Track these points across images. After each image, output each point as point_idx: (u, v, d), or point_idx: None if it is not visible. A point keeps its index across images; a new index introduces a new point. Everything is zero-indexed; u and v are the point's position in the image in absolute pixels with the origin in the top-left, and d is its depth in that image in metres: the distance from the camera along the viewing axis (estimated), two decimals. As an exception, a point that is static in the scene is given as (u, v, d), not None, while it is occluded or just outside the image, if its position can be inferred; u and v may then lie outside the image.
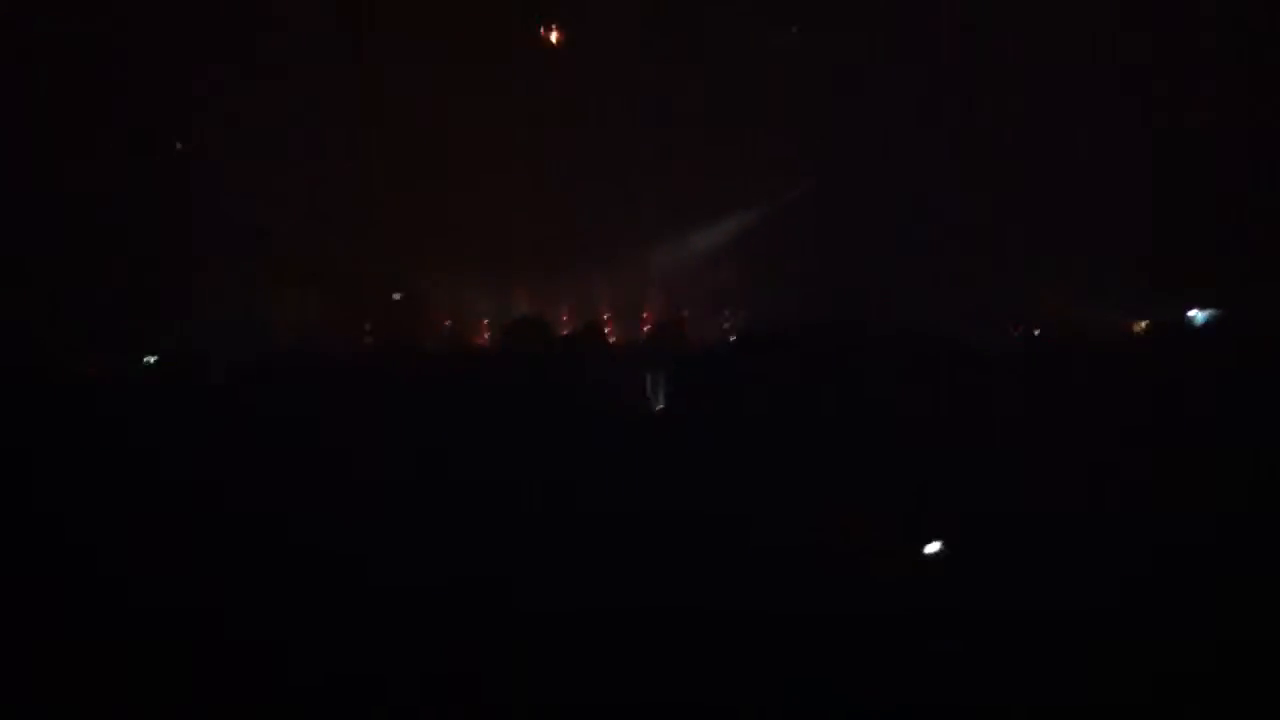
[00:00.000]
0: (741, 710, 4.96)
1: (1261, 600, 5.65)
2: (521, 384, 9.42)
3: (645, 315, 19.06)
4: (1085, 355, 11.15)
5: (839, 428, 8.51)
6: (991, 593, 5.85)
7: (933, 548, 6.55)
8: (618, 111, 18.63)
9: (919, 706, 4.95)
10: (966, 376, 9.45)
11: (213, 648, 5.33)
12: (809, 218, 18.49)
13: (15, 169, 15.61)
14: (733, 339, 15.31)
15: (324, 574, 6.05)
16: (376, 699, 5.07)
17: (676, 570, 6.10)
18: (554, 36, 19.18)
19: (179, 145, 17.37)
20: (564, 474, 7.41)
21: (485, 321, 17.93)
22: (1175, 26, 16.69)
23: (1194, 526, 6.58)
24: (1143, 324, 14.47)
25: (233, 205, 16.94)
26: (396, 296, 18.31)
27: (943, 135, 17.56)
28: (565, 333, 14.23)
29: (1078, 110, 17.15)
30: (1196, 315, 14.38)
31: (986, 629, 5.48)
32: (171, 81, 16.90)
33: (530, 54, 18.96)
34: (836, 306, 15.05)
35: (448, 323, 18.15)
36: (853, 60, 18.00)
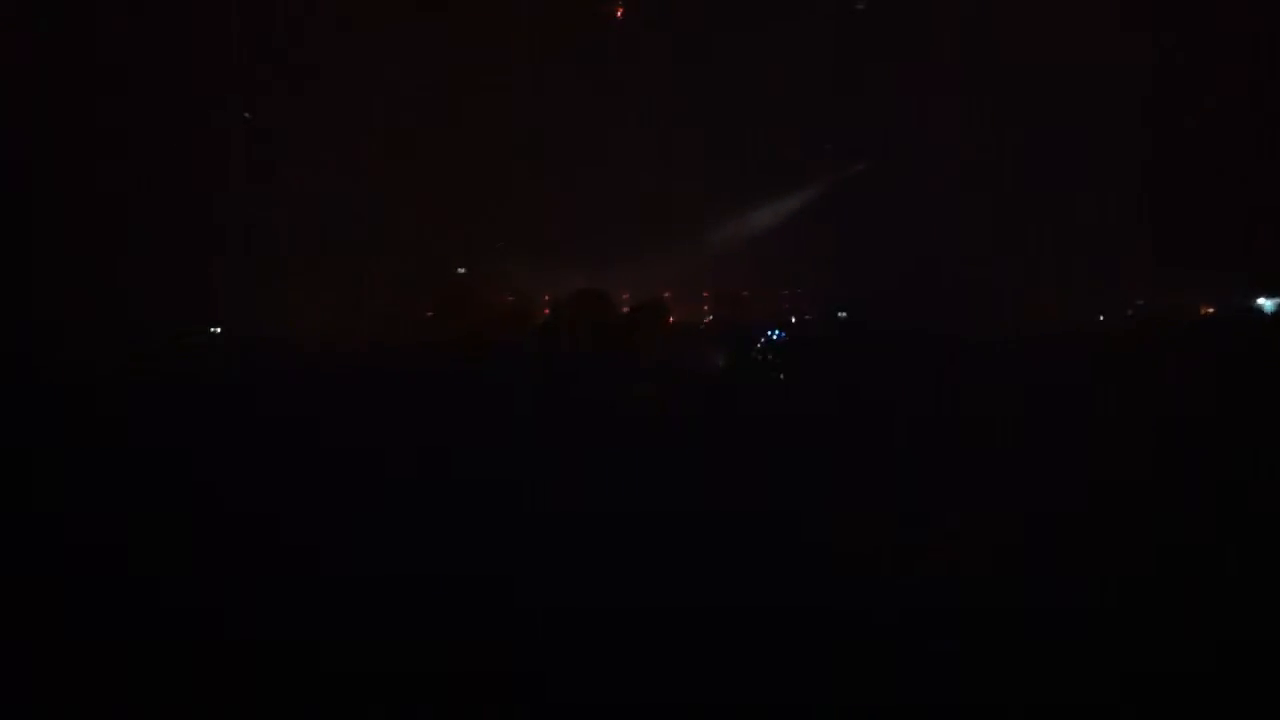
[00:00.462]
0: (742, 710, 4.96)
1: (1262, 600, 5.66)
2: (534, 383, 9.46)
3: (705, 294, 19.26)
4: (1087, 357, 11.18)
5: (841, 427, 8.52)
6: (991, 593, 5.86)
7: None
8: (671, 98, 18.71)
9: (919, 706, 4.95)
10: (968, 377, 9.47)
11: (213, 648, 5.33)
12: (835, 215, 18.48)
13: (48, 166, 15.63)
14: (793, 321, 15.42)
15: (324, 573, 6.06)
16: (375, 698, 5.08)
17: (677, 570, 6.10)
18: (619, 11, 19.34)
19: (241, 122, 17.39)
20: (565, 474, 7.43)
21: (546, 297, 17.99)
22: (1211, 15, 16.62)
23: (1194, 526, 6.59)
24: (1210, 309, 14.67)
25: (287, 197, 17.00)
26: (461, 270, 18.54)
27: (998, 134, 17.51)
28: (626, 309, 14.40)
29: (1136, 103, 17.06)
30: (1265, 304, 14.56)
31: (986, 629, 5.48)
32: (232, 74, 16.98)
33: (590, 39, 19.09)
34: (857, 307, 15.08)
35: (510, 299, 18.24)
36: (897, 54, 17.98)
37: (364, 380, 9.42)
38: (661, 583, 5.91)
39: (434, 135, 17.91)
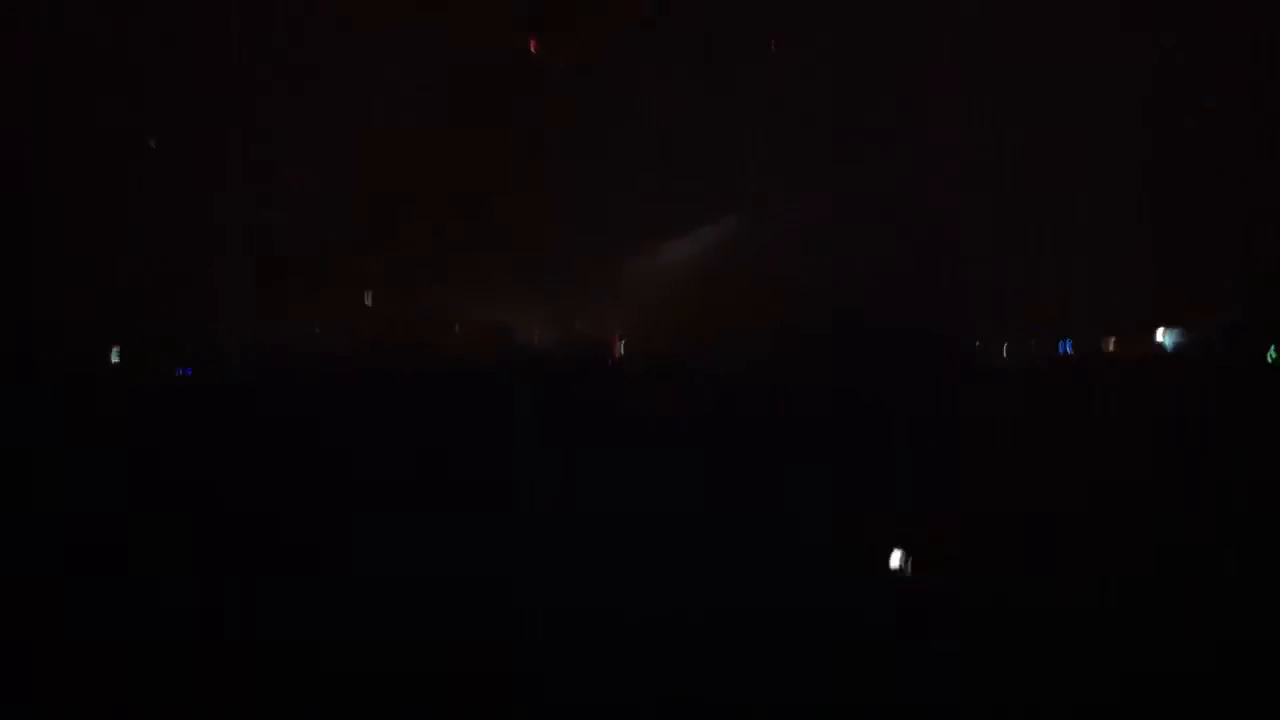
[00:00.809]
0: (741, 710, 4.96)
1: (1262, 600, 5.66)
2: (527, 384, 9.44)
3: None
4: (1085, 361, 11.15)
5: (840, 428, 8.51)
6: (991, 593, 5.85)
7: (895, 559, 6.50)
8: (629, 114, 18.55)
9: (919, 706, 4.95)
10: (967, 378, 9.46)
11: (213, 648, 5.33)
12: (823, 216, 18.37)
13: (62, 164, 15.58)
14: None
15: (323, 574, 6.05)
16: (375, 698, 5.08)
17: (676, 571, 6.10)
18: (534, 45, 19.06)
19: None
20: (565, 474, 7.42)
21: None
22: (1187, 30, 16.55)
23: (1194, 526, 6.59)
24: (1111, 341, 13.80)
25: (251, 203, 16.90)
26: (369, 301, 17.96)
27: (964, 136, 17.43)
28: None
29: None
30: (1164, 338, 13.73)
31: (986, 629, 5.48)
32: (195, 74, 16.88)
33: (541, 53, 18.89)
34: (844, 308, 14.96)
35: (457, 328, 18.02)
36: (860, 59, 17.90)
37: (363, 380, 9.41)
38: (661, 583, 5.91)
39: (422, 139, 17.82)
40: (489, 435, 8.02)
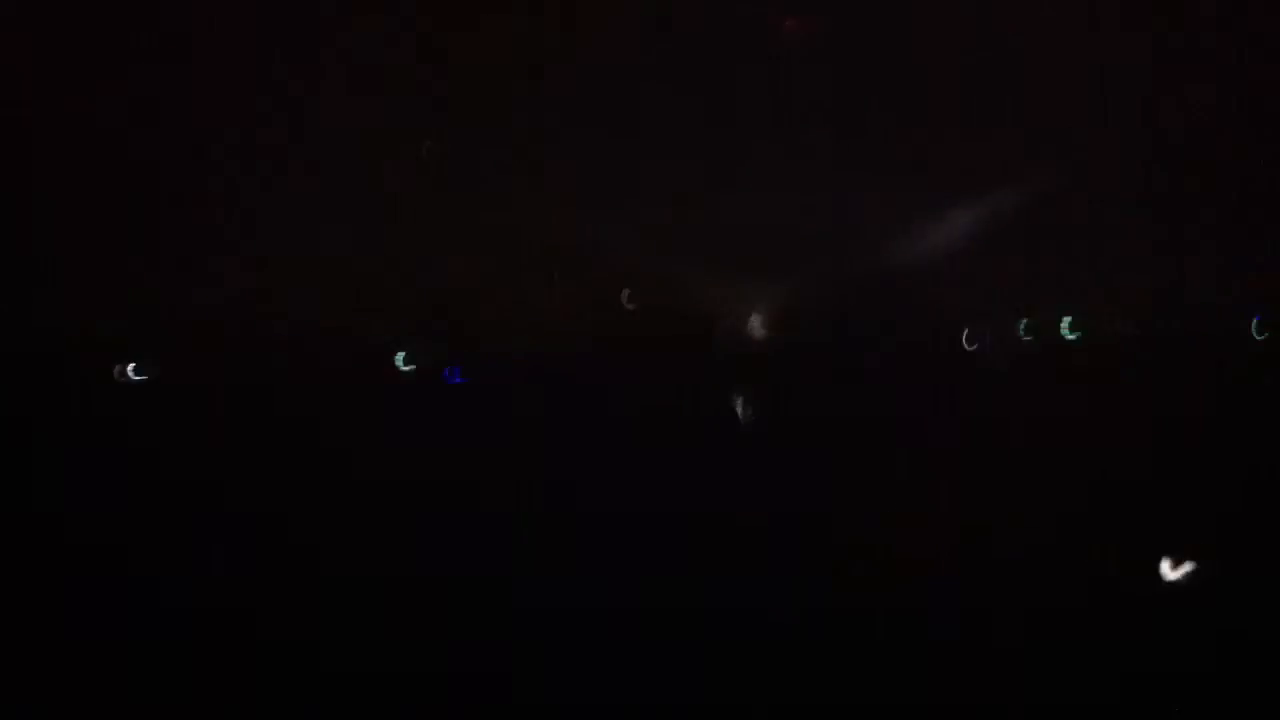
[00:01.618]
0: (740, 710, 4.96)
1: (1261, 600, 5.66)
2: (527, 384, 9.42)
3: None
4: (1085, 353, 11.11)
5: (839, 427, 8.51)
6: (990, 592, 5.85)
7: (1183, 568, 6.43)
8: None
9: (919, 706, 4.95)
10: (965, 375, 9.44)
11: (213, 648, 5.33)
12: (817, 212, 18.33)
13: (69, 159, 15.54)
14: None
15: (322, 574, 6.05)
16: (376, 698, 5.08)
17: (676, 571, 6.10)
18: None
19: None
20: (564, 474, 7.42)
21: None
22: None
23: (1192, 523, 6.58)
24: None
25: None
26: None
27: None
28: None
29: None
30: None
31: (986, 629, 5.48)
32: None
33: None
34: (841, 305, 14.90)
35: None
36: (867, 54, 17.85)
37: (363, 379, 9.40)
38: (661, 584, 5.91)
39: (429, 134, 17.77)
40: (488, 434, 8.01)
